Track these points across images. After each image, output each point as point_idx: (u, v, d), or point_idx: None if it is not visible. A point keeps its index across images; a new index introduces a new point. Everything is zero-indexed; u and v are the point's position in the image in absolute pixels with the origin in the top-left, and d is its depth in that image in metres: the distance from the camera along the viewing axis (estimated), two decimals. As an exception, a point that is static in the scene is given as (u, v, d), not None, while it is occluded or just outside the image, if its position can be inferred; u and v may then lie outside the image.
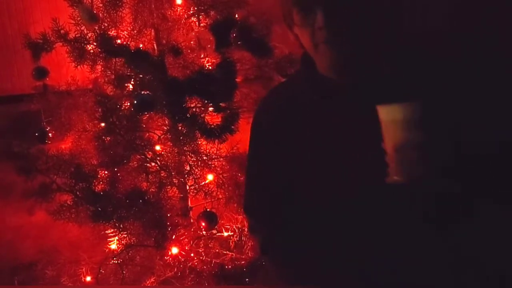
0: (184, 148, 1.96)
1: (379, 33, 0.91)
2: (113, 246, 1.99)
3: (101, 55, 1.87)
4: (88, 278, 2.02)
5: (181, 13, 1.90)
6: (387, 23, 0.92)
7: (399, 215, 0.89)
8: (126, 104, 1.92)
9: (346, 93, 0.93)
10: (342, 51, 0.89)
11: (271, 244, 1.08)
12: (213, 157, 1.99)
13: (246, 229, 2.07)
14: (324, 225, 0.95)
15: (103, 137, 1.92)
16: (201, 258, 2.03)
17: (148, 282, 1.97)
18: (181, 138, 1.96)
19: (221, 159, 2.01)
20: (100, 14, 1.83)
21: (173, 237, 1.95)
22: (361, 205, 0.91)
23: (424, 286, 0.90)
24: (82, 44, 1.88)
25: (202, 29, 1.87)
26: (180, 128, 1.97)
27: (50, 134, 2.07)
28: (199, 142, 1.97)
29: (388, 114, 0.77)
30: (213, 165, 1.99)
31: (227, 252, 2.06)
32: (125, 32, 1.89)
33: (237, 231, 2.08)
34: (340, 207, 0.93)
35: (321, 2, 0.86)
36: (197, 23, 1.91)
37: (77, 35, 1.88)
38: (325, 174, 0.95)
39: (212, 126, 1.90)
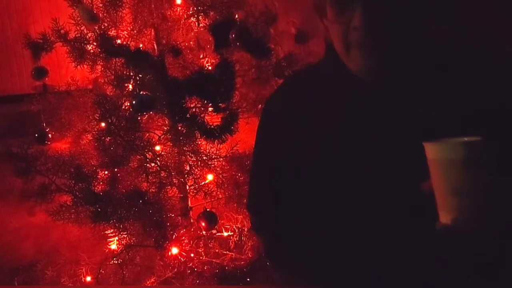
0: (184, 148, 1.96)
1: (418, 37, 0.82)
2: (113, 246, 1.98)
3: (101, 55, 1.88)
4: (88, 278, 2.01)
5: (180, 13, 1.91)
6: (425, 26, 0.82)
7: (410, 220, 0.84)
8: (126, 105, 1.92)
9: (373, 92, 0.86)
10: (376, 56, 0.80)
11: (274, 245, 1.04)
12: (213, 157, 1.99)
13: (246, 229, 2.07)
14: (331, 226, 0.90)
15: (103, 138, 1.92)
16: (201, 258, 2.03)
17: (148, 282, 1.97)
18: (181, 138, 1.96)
19: (221, 159, 2.01)
20: (100, 14, 1.83)
21: (173, 237, 1.95)
22: (371, 208, 0.86)
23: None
24: (82, 44, 1.89)
25: (202, 29, 1.87)
26: (180, 128, 1.97)
27: (49, 135, 2.07)
28: (199, 142, 1.97)
29: (447, 152, 0.66)
30: (213, 165, 1.99)
31: (227, 252, 2.06)
32: (125, 32, 1.89)
33: (237, 231, 2.08)
34: (350, 209, 0.88)
35: None
36: (196, 23, 1.92)
37: (77, 35, 1.88)
38: (337, 173, 0.88)
39: (212, 127, 1.90)
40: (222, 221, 2.07)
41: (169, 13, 1.89)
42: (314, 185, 0.93)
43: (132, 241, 1.95)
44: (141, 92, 1.82)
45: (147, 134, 1.97)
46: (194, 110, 1.93)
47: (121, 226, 1.90)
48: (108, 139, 1.91)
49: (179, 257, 1.98)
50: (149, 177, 1.94)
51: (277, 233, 1.03)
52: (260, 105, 2.16)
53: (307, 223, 0.96)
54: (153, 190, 1.94)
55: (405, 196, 0.81)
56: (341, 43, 0.82)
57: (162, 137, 1.98)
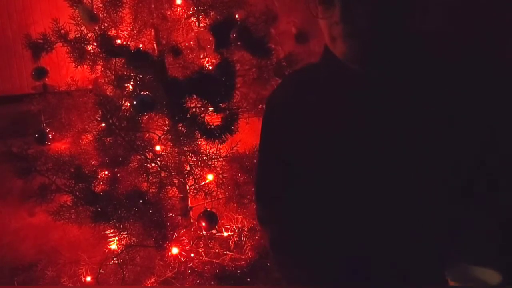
0: (184, 148, 1.96)
1: (397, 29, 0.90)
2: (113, 246, 1.98)
3: (101, 55, 1.88)
4: (88, 279, 2.01)
5: (180, 13, 1.91)
6: (404, 18, 0.90)
7: (413, 209, 0.88)
8: (126, 105, 1.93)
9: (367, 83, 0.92)
10: (358, 46, 0.88)
11: (280, 236, 1.06)
12: (213, 157, 1.99)
13: (246, 229, 2.07)
14: (336, 220, 0.93)
15: (103, 138, 1.92)
16: (201, 258, 2.03)
17: (148, 282, 1.97)
18: (181, 138, 1.96)
19: (221, 159, 2.01)
20: (100, 14, 1.83)
21: (173, 237, 1.95)
22: (377, 200, 0.89)
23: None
24: (82, 44, 1.89)
25: (202, 29, 1.87)
26: (180, 128, 1.97)
27: (49, 135, 2.07)
28: (199, 142, 1.97)
29: None
30: (213, 165, 1.99)
31: (227, 252, 2.06)
32: (125, 32, 1.89)
33: (237, 231, 2.08)
34: (354, 200, 0.91)
35: None
36: (196, 23, 1.92)
37: (77, 36, 1.88)
38: (339, 164, 0.93)
39: (212, 127, 1.90)
40: (222, 221, 2.07)
41: (169, 13, 1.89)
42: (318, 178, 0.96)
43: (132, 241, 1.95)
44: (142, 93, 1.82)
45: (147, 134, 1.97)
46: (194, 110, 1.93)
47: (121, 226, 1.90)
48: (108, 139, 1.92)
49: (179, 257, 1.98)
50: (149, 177, 1.94)
51: (284, 225, 1.05)
52: (260, 105, 2.16)
53: (312, 216, 0.98)
54: (153, 190, 1.94)
55: (406, 186, 0.87)
56: (328, 36, 0.92)
57: (162, 137, 1.98)
